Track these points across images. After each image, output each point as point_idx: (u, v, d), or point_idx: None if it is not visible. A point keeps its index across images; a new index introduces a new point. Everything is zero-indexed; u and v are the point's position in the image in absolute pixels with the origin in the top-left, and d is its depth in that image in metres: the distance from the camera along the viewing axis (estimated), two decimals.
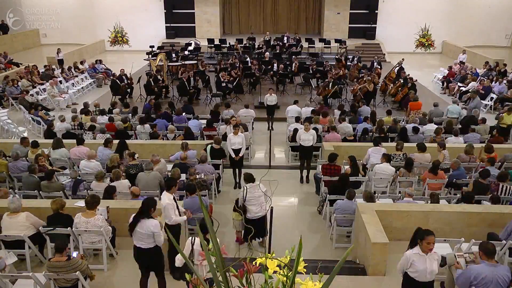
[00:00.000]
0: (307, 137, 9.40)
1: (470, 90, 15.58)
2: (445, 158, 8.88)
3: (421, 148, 8.94)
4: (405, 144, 9.43)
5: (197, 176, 7.95)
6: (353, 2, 25.08)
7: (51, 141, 9.69)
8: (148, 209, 5.15)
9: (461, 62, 19.68)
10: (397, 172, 8.42)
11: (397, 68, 17.10)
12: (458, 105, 13.15)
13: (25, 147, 9.33)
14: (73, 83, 17.22)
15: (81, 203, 6.44)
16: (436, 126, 10.94)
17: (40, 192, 7.51)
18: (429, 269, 4.56)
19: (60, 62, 19.77)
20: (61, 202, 6.24)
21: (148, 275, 5.50)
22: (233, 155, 9.12)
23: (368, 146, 9.76)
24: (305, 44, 22.03)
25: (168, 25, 25.82)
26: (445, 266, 5.60)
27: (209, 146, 9.27)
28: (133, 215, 5.21)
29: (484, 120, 11.39)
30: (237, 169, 9.44)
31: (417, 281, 4.60)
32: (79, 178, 7.86)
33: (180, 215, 5.87)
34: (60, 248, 5.08)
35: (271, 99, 13.25)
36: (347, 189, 7.22)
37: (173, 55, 19.50)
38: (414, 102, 13.07)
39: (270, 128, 13.08)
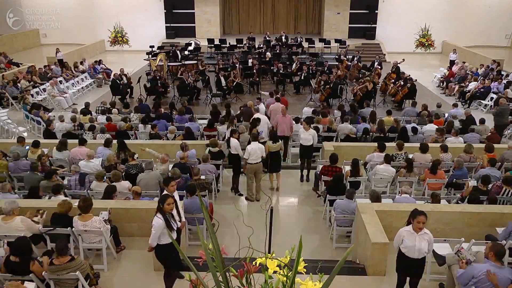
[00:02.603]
0: (306, 137, 9.38)
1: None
2: (446, 160, 8.88)
3: (423, 149, 8.92)
4: (406, 144, 9.42)
5: (201, 177, 7.96)
6: (353, 2, 25.10)
7: (50, 141, 9.66)
8: (158, 205, 5.24)
9: (452, 61, 19.73)
10: (398, 172, 8.41)
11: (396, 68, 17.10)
12: (458, 106, 13.15)
13: (22, 145, 9.30)
14: (73, 83, 17.21)
15: None
16: (436, 126, 10.94)
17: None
18: (417, 247, 4.91)
19: (60, 61, 19.75)
20: (69, 204, 6.21)
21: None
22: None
23: (369, 146, 9.74)
24: (305, 44, 22.03)
25: (168, 25, 25.83)
26: (445, 266, 5.60)
27: (207, 149, 9.24)
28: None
29: (483, 121, 11.39)
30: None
31: (407, 256, 5.00)
32: (82, 172, 7.90)
33: (180, 216, 5.81)
34: (61, 252, 4.99)
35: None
36: (343, 188, 7.19)
37: (178, 53, 19.44)
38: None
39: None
